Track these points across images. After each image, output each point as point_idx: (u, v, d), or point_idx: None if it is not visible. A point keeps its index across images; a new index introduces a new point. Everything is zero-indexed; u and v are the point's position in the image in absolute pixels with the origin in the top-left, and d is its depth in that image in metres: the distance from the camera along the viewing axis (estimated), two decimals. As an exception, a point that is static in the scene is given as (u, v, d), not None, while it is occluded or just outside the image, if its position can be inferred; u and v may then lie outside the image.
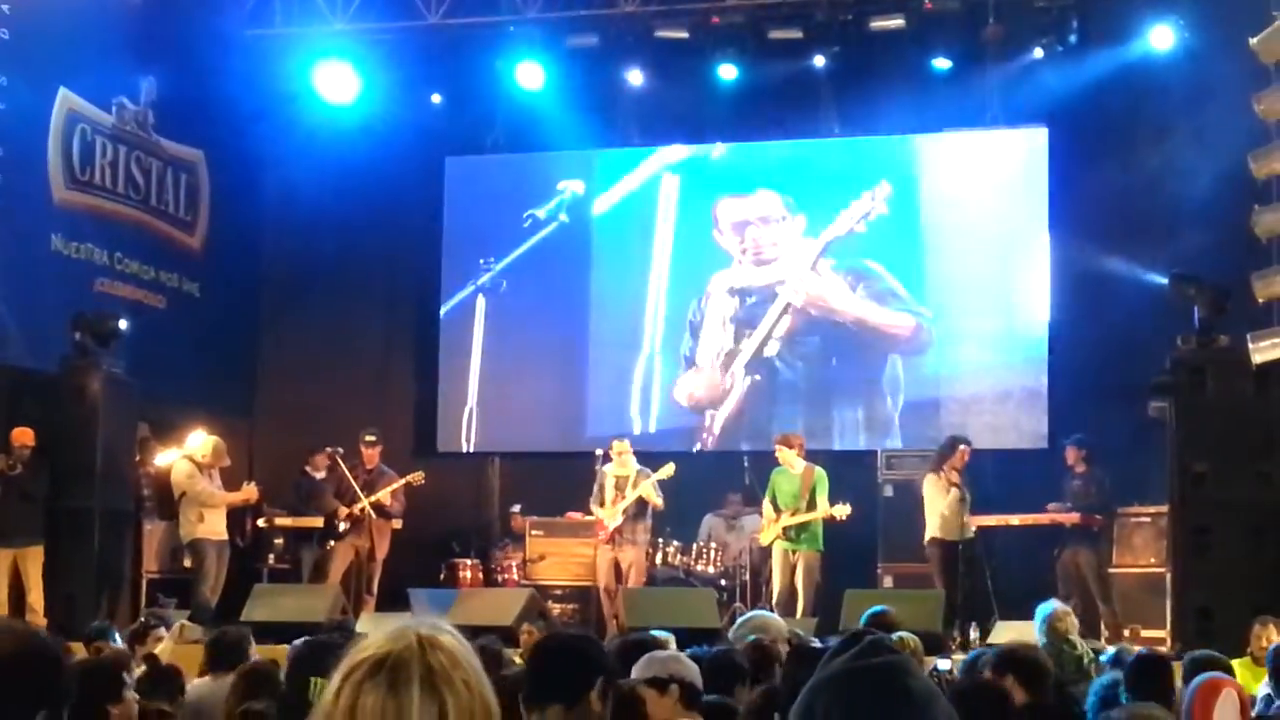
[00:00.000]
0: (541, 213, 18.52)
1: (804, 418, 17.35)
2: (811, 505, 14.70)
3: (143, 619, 10.83)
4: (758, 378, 17.74)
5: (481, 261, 18.60)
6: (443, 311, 18.69)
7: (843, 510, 14.63)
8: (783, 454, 15.03)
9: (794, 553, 14.70)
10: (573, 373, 18.29)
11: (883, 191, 17.49)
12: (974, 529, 14.48)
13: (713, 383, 17.83)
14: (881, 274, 17.55)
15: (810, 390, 17.61)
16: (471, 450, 18.45)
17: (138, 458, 15.57)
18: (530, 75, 17.94)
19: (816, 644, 7.59)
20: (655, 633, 8.00)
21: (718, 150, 18.39)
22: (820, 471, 14.93)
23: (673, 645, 7.35)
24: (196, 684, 7.81)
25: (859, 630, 2.10)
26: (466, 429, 18.45)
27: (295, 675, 4.58)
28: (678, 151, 18.40)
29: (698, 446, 17.60)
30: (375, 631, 2.29)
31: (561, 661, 4.98)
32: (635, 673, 5.83)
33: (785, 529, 14.72)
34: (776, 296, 17.81)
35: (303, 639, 5.03)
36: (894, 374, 17.36)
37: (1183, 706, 5.71)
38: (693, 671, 5.84)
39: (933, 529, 14.60)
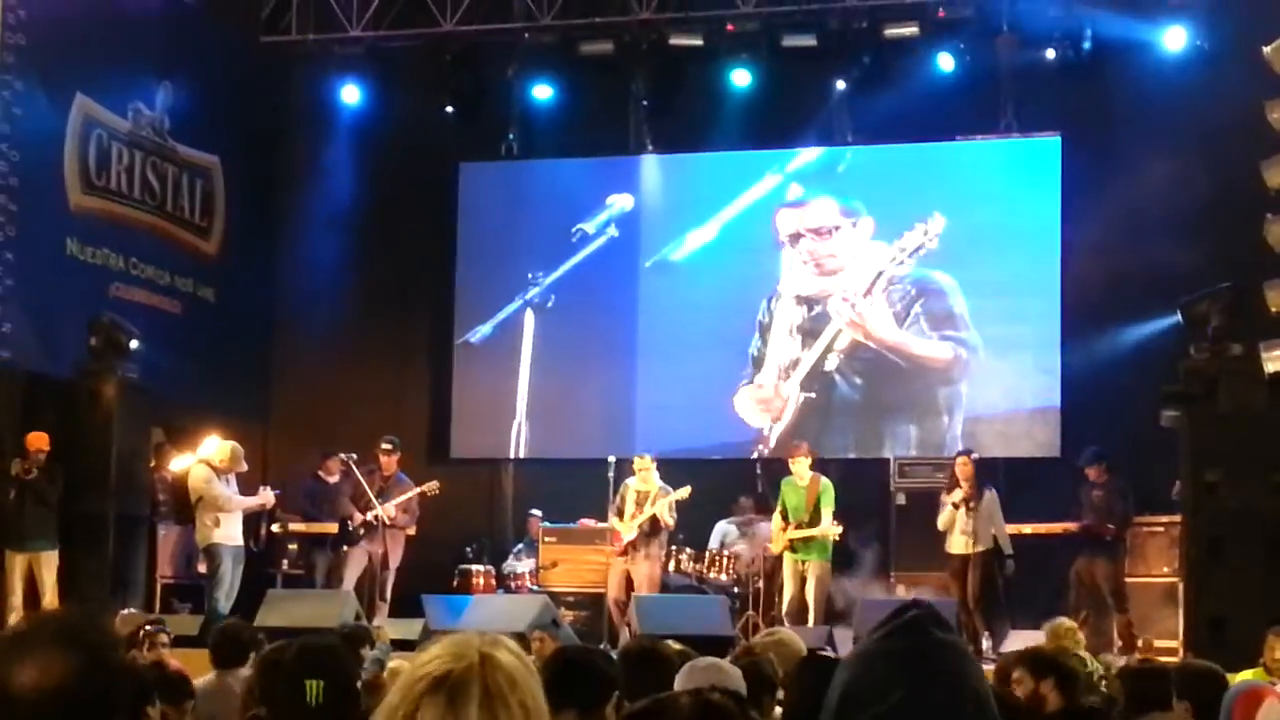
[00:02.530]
0: (590, 227, 18.47)
1: (855, 433, 17.37)
2: (816, 516, 14.69)
3: (147, 626, 10.81)
4: (813, 394, 17.58)
5: (529, 276, 18.56)
6: (488, 327, 18.61)
7: (832, 531, 14.65)
8: (792, 463, 15.06)
9: (803, 563, 14.71)
10: (621, 383, 18.19)
11: (936, 226, 17.29)
12: (992, 540, 14.43)
13: (771, 394, 17.71)
14: (946, 290, 17.38)
15: (865, 406, 17.49)
16: (522, 457, 18.44)
17: (153, 463, 15.62)
18: (543, 84, 18.03)
19: (830, 653, 7.60)
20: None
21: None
22: (826, 482, 14.91)
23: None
24: (202, 682, 7.83)
25: (905, 604, 2.01)
26: (516, 440, 18.44)
27: (293, 677, 4.59)
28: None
29: (755, 454, 17.40)
30: (437, 645, 2.33)
31: (583, 670, 5.04)
32: (678, 684, 5.85)
33: (791, 540, 14.74)
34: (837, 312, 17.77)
35: (297, 640, 5.04)
36: (946, 396, 17.31)
37: (1222, 713, 5.67)
38: (736, 679, 5.85)
39: (948, 543, 14.67)
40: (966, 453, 14.96)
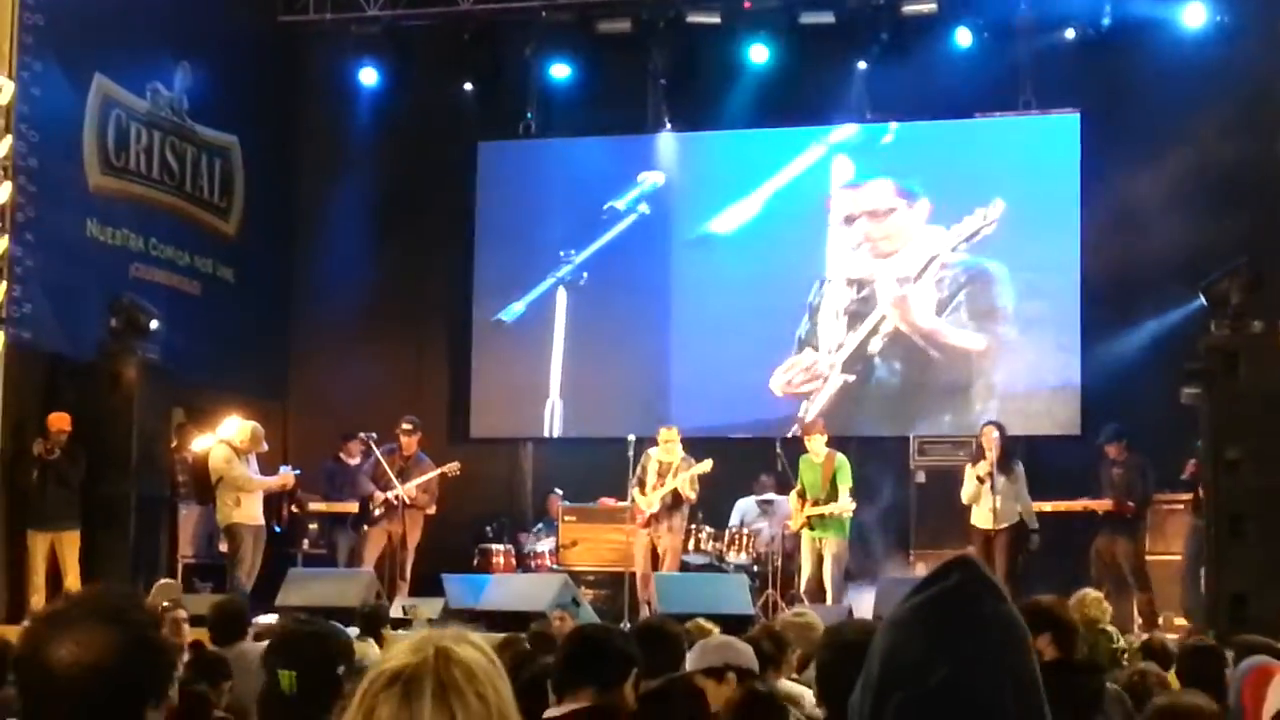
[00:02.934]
0: (621, 204, 18.43)
1: (889, 418, 17.35)
2: (834, 493, 14.65)
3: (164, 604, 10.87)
4: (852, 377, 17.56)
5: (561, 254, 18.55)
6: (521, 305, 18.60)
7: (848, 508, 14.63)
8: (808, 440, 15.04)
9: (819, 540, 14.68)
10: (655, 360, 18.19)
11: (995, 211, 17.18)
12: (1017, 516, 14.40)
13: (814, 373, 17.69)
14: (996, 279, 17.33)
15: (902, 392, 17.47)
16: (556, 435, 18.45)
17: (174, 443, 15.66)
18: (562, 62, 18.04)
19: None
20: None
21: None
22: (841, 459, 14.85)
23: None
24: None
25: (949, 564, 1.89)
26: (549, 419, 18.45)
27: (268, 666, 4.60)
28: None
29: (792, 432, 17.16)
30: (400, 643, 2.33)
31: (600, 647, 5.05)
32: (689, 664, 5.87)
33: (809, 518, 14.72)
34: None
35: (278, 628, 5.07)
36: (979, 386, 17.27)
37: (1232, 690, 5.66)
38: (747, 656, 5.88)
39: (972, 516, 14.62)
40: (994, 423, 14.77)
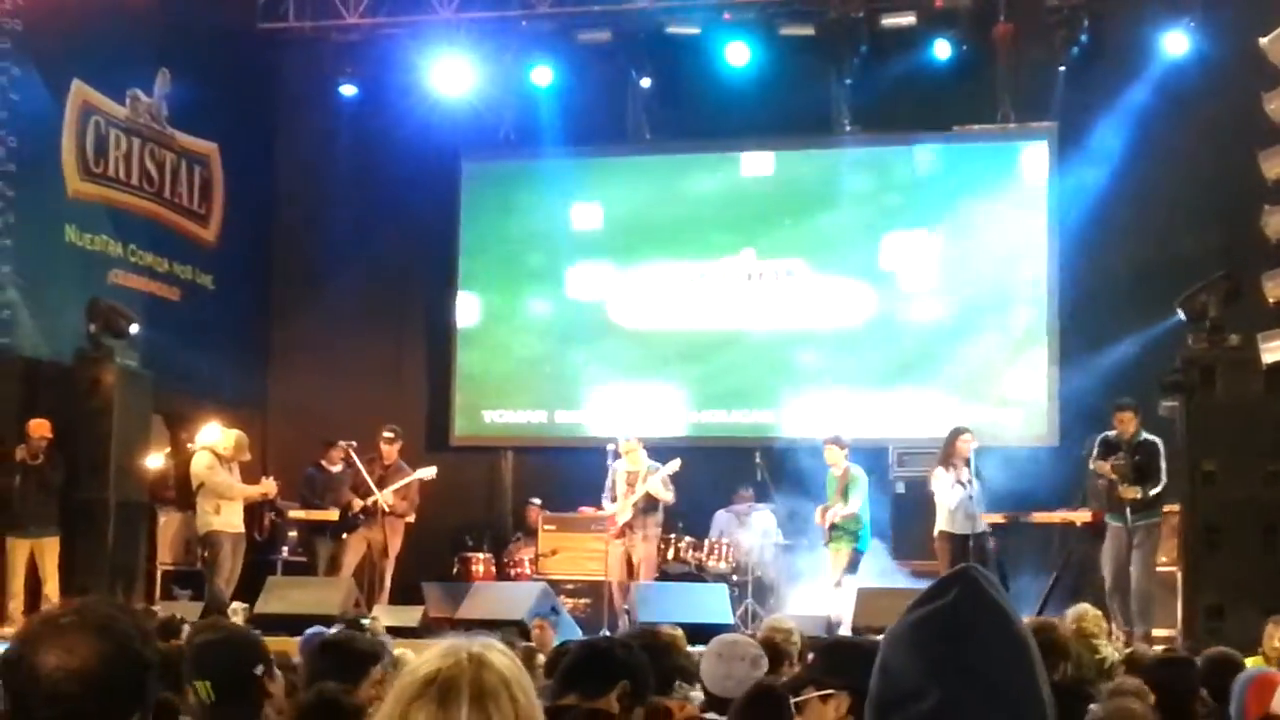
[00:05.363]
0: (589, 215, 18.61)
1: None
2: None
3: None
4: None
5: (532, 260, 18.72)
6: (488, 312, 18.74)
7: (840, 513, 14.72)
8: (828, 453, 15.06)
9: (834, 551, 14.78)
10: (625, 369, 18.42)
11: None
12: (985, 523, 14.43)
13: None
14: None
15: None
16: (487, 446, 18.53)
17: (153, 449, 15.62)
18: (541, 72, 18.05)
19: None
20: (664, 627, 8.10)
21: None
22: (855, 472, 14.93)
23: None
24: None
25: (951, 576, 1.81)
26: (524, 427, 18.60)
27: (185, 681, 4.66)
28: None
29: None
30: (429, 650, 2.35)
31: (590, 657, 5.09)
32: (708, 664, 5.96)
33: (829, 529, 14.80)
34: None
35: (199, 638, 5.12)
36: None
37: (1234, 700, 5.69)
38: (757, 646, 6.00)
39: (941, 522, 14.56)
40: (968, 429, 14.67)
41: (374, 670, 5.46)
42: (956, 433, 14.71)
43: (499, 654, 2.33)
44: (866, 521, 14.94)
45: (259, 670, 4.56)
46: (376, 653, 5.61)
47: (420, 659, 2.34)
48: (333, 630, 8.20)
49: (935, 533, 14.60)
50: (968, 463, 14.39)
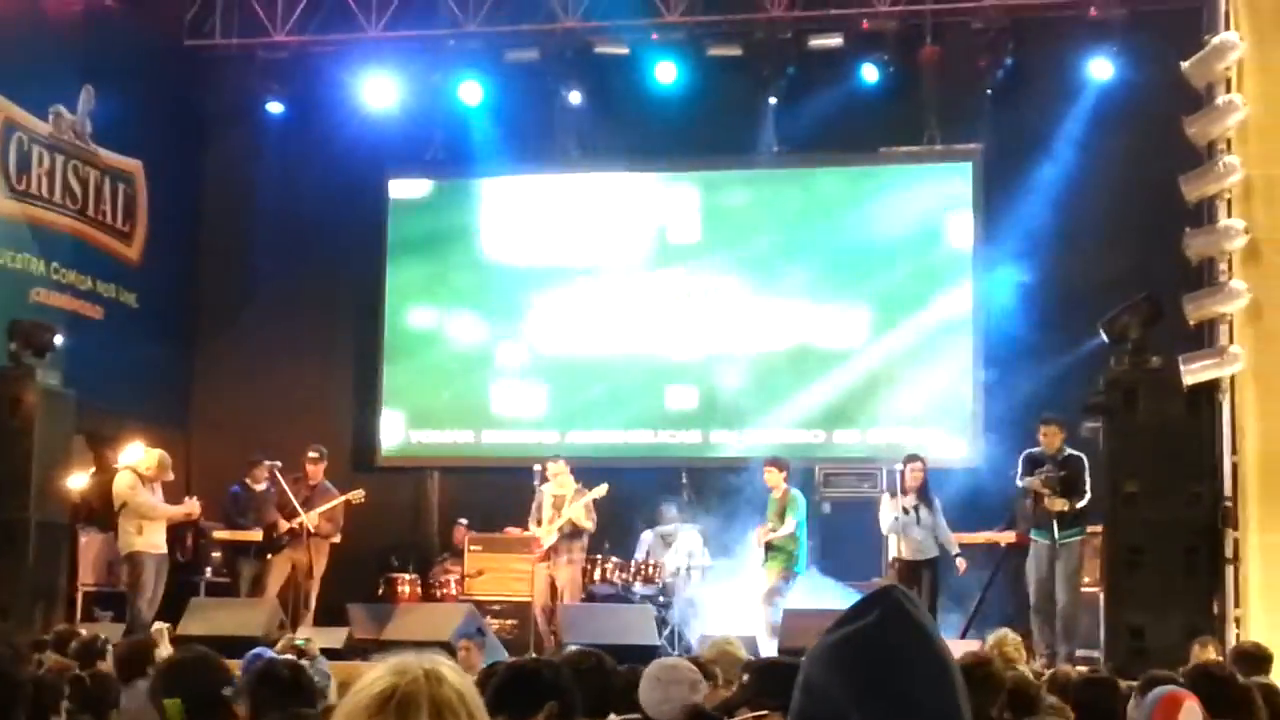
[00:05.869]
0: (517, 233, 18.59)
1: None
2: (784, 525, 14.82)
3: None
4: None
5: (456, 278, 18.74)
6: (420, 332, 18.71)
7: (766, 536, 14.77)
8: (768, 475, 15.07)
9: (766, 570, 14.80)
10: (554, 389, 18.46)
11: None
12: (943, 549, 14.45)
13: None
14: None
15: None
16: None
17: (74, 469, 15.45)
18: (470, 91, 18.01)
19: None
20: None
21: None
22: (794, 494, 14.98)
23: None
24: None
25: (871, 596, 1.80)
26: (448, 446, 18.54)
27: (153, 697, 4.63)
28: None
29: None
30: (378, 667, 2.32)
31: (518, 678, 5.08)
32: (646, 688, 5.94)
33: (765, 547, 14.81)
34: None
35: (167, 661, 5.10)
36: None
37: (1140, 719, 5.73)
38: (696, 671, 5.99)
39: (890, 549, 14.61)
40: (917, 456, 14.81)
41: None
42: (905, 460, 14.79)
43: (450, 670, 2.32)
44: (804, 542, 14.97)
45: (228, 691, 4.54)
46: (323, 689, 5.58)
47: (370, 676, 2.31)
48: (274, 654, 8.18)
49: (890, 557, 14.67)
50: (919, 490, 14.45)
